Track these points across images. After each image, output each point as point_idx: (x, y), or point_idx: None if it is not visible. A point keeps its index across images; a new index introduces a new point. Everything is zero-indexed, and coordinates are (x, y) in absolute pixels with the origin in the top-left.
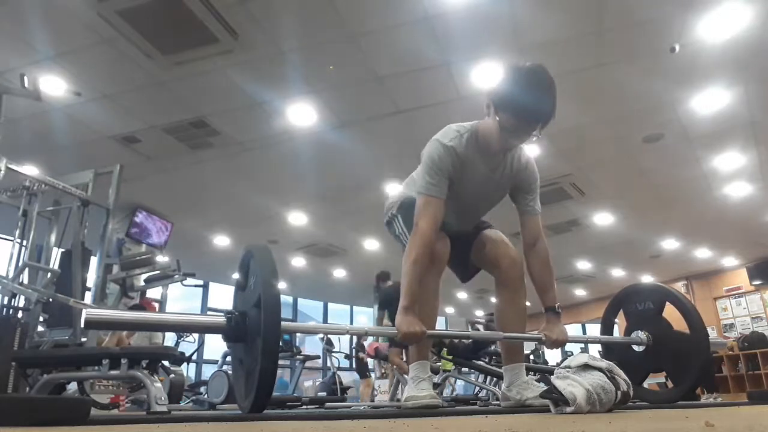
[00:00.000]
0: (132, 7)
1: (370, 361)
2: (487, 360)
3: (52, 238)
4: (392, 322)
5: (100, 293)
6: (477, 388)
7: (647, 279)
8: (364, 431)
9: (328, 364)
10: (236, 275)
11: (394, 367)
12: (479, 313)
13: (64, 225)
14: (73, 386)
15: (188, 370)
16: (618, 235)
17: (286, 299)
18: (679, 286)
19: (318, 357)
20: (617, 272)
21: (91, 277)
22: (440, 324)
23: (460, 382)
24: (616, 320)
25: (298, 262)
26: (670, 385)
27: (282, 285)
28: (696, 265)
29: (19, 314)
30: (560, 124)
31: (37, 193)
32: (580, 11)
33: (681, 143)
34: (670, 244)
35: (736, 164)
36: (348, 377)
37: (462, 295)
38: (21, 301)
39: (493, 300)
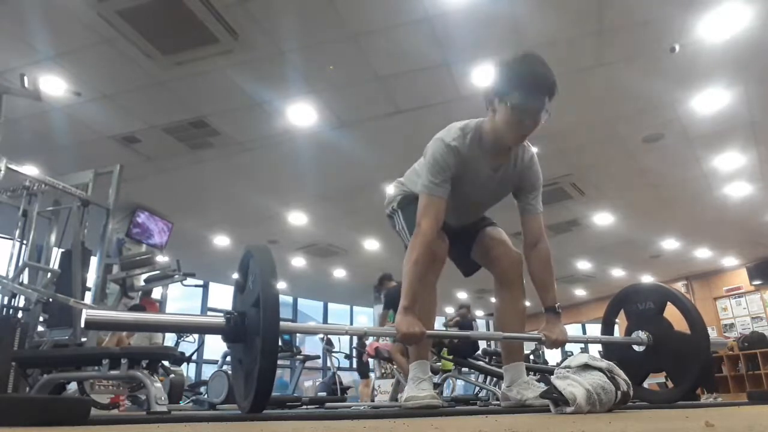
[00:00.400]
0: (132, 7)
1: (371, 361)
2: (487, 360)
3: (52, 238)
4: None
5: (100, 293)
6: (477, 388)
7: (647, 279)
8: (364, 431)
9: (328, 364)
10: (236, 275)
11: (395, 367)
12: (479, 312)
13: (64, 225)
14: (73, 386)
15: (188, 370)
16: (618, 235)
17: (286, 299)
18: (679, 286)
19: (318, 357)
20: (617, 272)
21: (91, 277)
22: (440, 324)
23: (460, 382)
24: (617, 320)
25: (298, 262)
26: (670, 385)
27: (282, 285)
28: (696, 265)
29: (19, 314)
30: (561, 124)
31: (37, 193)
32: (580, 11)
33: (681, 143)
34: (670, 244)
35: (736, 164)
36: (348, 377)
37: (462, 294)
38: (21, 301)
39: (493, 300)
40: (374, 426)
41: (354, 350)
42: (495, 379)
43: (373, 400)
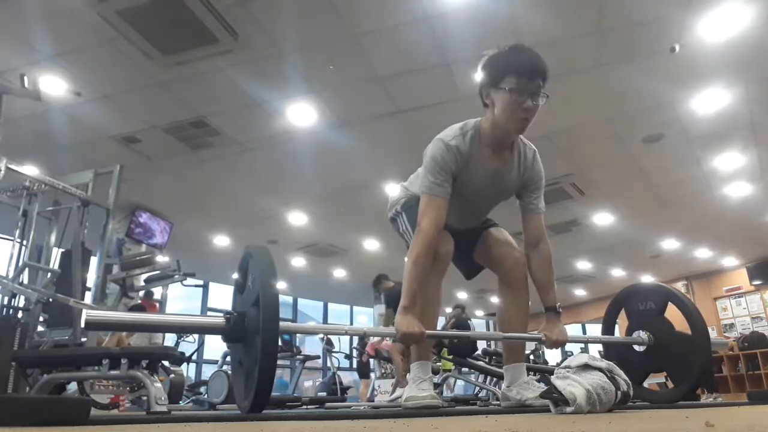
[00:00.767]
0: (132, 7)
1: (371, 361)
2: (487, 360)
3: (52, 238)
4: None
5: (100, 293)
6: (477, 388)
7: (647, 279)
8: (364, 431)
9: (328, 364)
10: (236, 275)
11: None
12: (479, 312)
13: (64, 225)
14: (73, 386)
15: (188, 370)
16: (618, 235)
17: (286, 299)
18: (679, 286)
19: (318, 357)
20: (617, 272)
21: (91, 277)
22: (440, 324)
23: (460, 382)
24: (617, 320)
25: (298, 262)
26: (670, 385)
27: (282, 285)
28: (696, 265)
29: (19, 314)
30: (560, 124)
31: (37, 193)
32: (580, 11)
33: (681, 143)
34: (670, 244)
35: (736, 164)
36: (348, 377)
37: (462, 295)
38: (21, 301)
39: (496, 300)
40: (374, 426)
41: (354, 350)
42: (495, 379)
43: (372, 400)
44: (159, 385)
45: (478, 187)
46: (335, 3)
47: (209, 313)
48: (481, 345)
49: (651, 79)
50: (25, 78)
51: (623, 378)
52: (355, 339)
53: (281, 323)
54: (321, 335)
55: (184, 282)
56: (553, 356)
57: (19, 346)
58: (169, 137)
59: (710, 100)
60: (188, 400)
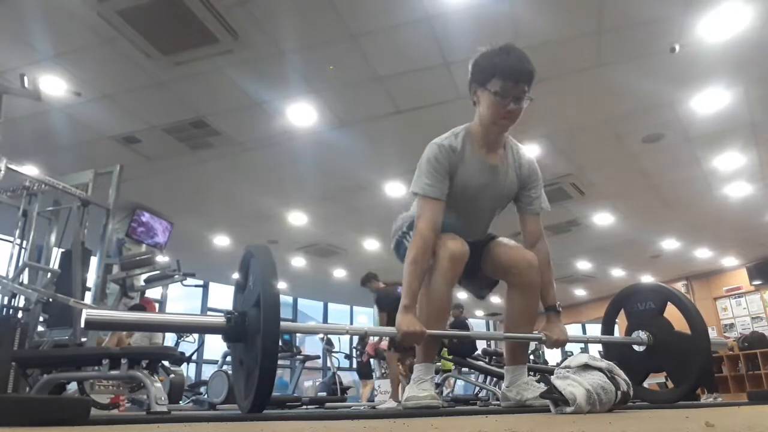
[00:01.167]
0: (132, 7)
1: (372, 361)
2: (487, 360)
3: (52, 238)
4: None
5: (100, 293)
6: (477, 388)
7: (647, 279)
8: (364, 431)
9: (328, 364)
10: (236, 275)
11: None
12: (480, 312)
13: (64, 225)
14: (73, 386)
15: (188, 370)
16: (618, 235)
17: (286, 299)
18: (679, 286)
19: (318, 357)
20: (617, 272)
21: (91, 277)
22: None
23: (460, 382)
24: (617, 320)
25: (298, 262)
26: (670, 385)
27: (282, 285)
28: (696, 265)
29: (19, 314)
30: (560, 124)
31: (37, 193)
32: (580, 11)
33: (681, 143)
34: (670, 244)
35: (736, 164)
36: (348, 377)
37: (462, 294)
38: (21, 301)
39: (497, 300)
40: (374, 426)
41: (354, 350)
42: (495, 379)
43: (372, 400)
44: (159, 385)
45: (477, 186)
46: (335, 3)
47: (209, 313)
48: (481, 345)
49: (651, 79)
50: (25, 78)
51: (623, 378)
52: (356, 339)
53: (282, 323)
54: (321, 335)
55: (184, 282)
56: (553, 356)
57: (19, 346)
58: (169, 137)
59: (710, 100)
60: (188, 400)
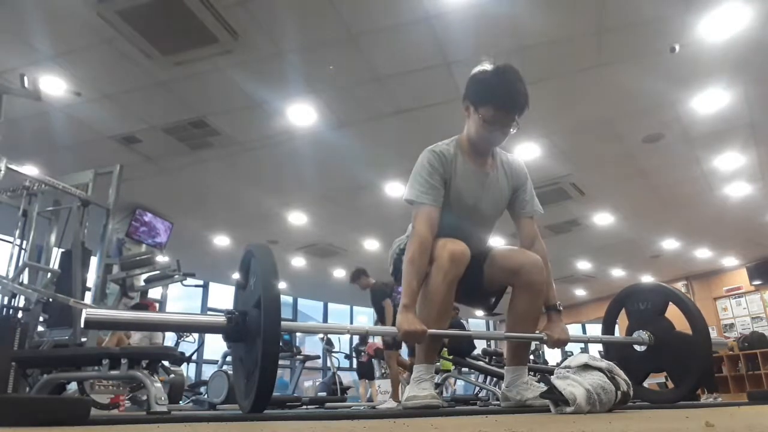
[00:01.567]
0: (132, 7)
1: (373, 361)
2: (487, 360)
3: (52, 238)
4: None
5: (100, 293)
6: (477, 388)
7: (647, 279)
8: (364, 431)
9: (328, 364)
10: (236, 275)
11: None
12: (479, 312)
13: (64, 225)
14: (73, 386)
15: (188, 370)
16: (618, 235)
17: (286, 299)
18: (679, 286)
19: (318, 357)
20: (617, 272)
21: (91, 277)
22: None
23: (460, 382)
24: (617, 320)
25: (298, 262)
26: (670, 385)
27: (282, 285)
28: (696, 265)
29: (19, 314)
30: (560, 124)
31: (37, 193)
32: (580, 11)
33: (681, 143)
34: (670, 244)
35: (736, 164)
36: (348, 377)
37: None
38: (21, 301)
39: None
40: (374, 426)
41: (355, 350)
42: (495, 379)
43: (372, 400)
44: (159, 385)
45: (472, 194)
46: (335, 3)
47: (209, 312)
48: (482, 345)
49: (651, 79)
50: (25, 78)
51: (623, 378)
52: (356, 339)
53: (282, 323)
54: (321, 335)
55: (184, 282)
56: (553, 356)
57: (19, 346)
58: (169, 137)
59: (710, 100)
60: (188, 400)
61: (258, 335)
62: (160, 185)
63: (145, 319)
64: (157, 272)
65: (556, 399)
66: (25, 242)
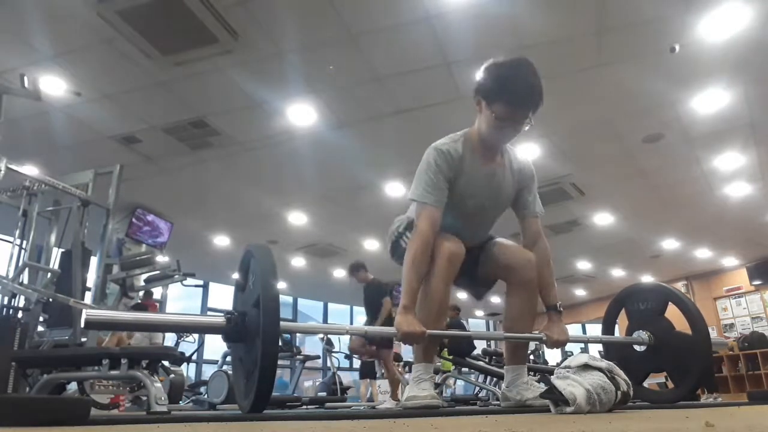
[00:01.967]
0: (132, 7)
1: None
2: (487, 360)
3: (52, 238)
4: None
5: (100, 293)
6: (477, 388)
7: (647, 279)
8: (364, 431)
9: (328, 364)
10: (236, 275)
11: (397, 366)
12: (480, 312)
13: (64, 225)
14: (73, 386)
15: (188, 370)
16: (618, 235)
17: (286, 299)
18: (679, 286)
19: (318, 357)
20: (617, 272)
21: (91, 277)
22: None
23: (460, 382)
24: (617, 320)
25: (298, 262)
26: (670, 385)
27: (282, 285)
28: (696, 265)
29: (19, 314)
30: (560, 124)
31: (37, 193)
32: (580, 11)
33: (681, 143)
34: (670, 244)
35: (736, 164)
36: (348, 377)
37: (462, 294)
38: (21, 301)
39: (497, 300)
40: (374, 426)
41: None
42: (495, 379)
43: (372, 400)
44: (159, 385)
45: (478, 191)
46: (335, 3)
47: (209, 313)
48: (481, 345)
49: (651, 79)
50: (25, 78)
51: (623, 378)
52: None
53: (281, 323)
54: (321, 335)
55: (184, 282)
56: (553, 356)
57: (19, 346)
58: (169, 137)
59: (710, 100)
60: (188, 400)
61: (257, 335)
62: (160, 185)
63: (145, 320)
64: (157, 272)
65: (556, 399)
66: (25, 242)
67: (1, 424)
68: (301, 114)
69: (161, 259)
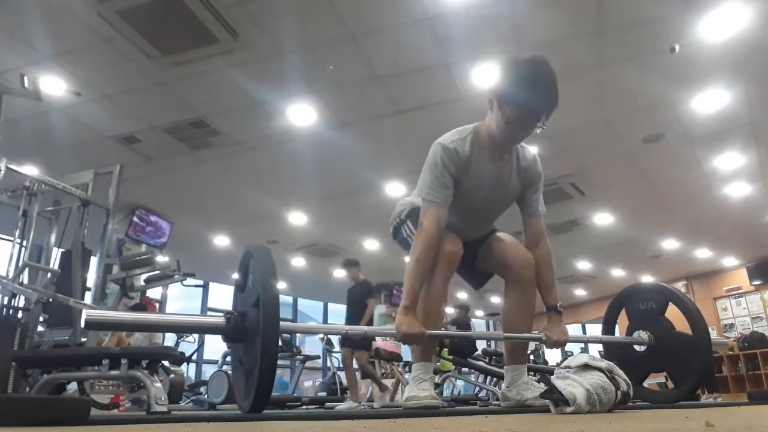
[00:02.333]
0: (132, 7)
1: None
2: (487, 360)
3: (52, 238)
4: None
5: (100, 293)
6: (477, 388)
7: (647, 279)
8: (364, 431)
9: (328, 364)
10: (236, 275)
11: (395, 366)
12: (480, 312)
13: (64, 225)
14: (73, 386)
15: (188, 370)
16: (618, 235)
17: (286, 299)
18: (679, 286)
19: (318, 357)
20: (617, 272)
21: (91, 277)
22: None
23: (460, 382)
24: (618, 320)
25: (298, 262)
26: (670, 385)
27: (282, 285)
28: (696, 265)
29: (19, 314)
30: (561, 124)
31: (37, 193)
32: (580, 11)
33: (681, 143)
34: (670, 244)
35: (736, 164)
36: None
37: (462, 295)
38: (21, 301)
39: (497, 300)
40: (374, 426)
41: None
42: (495, 379)
43: (372, 400)
44: (159, 385)
45: (482, 190)
46: (335, 3)
47: (209, 313)
48: (481, 345)
49: (651, 79)
50: (25, 78)
51: (623, 378)
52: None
53: (281, 323)
54: (321, 335)
55: (184, 282)
56: (553, 356)
57: (19, 346)
58: (169, 137)
59: (710, 100)
60: (188, 400)
61: (257, 335)
62: (160, 185)
63: (145, 320)
64: (157, 272)
65: (556, 399)
66: (25, 242)
67: (1, 424)
68: (301, 114)
69: (161, 259)
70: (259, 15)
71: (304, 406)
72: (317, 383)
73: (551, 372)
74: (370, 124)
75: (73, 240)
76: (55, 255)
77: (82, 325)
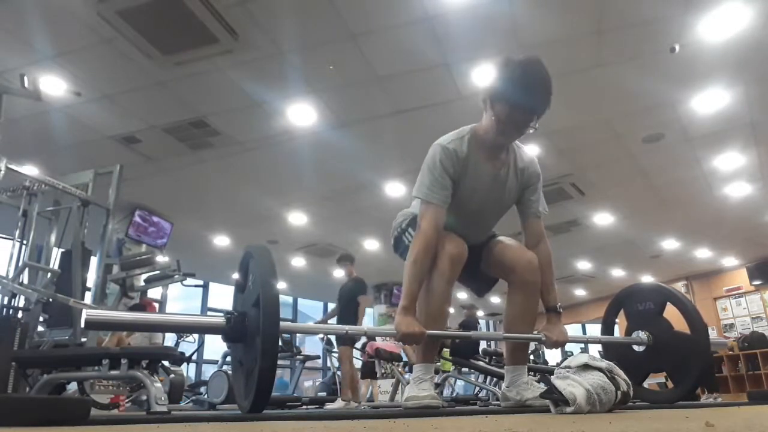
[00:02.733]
0: (132, 7)
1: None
2: (487, 360)
3: (52, 238)
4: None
5: (100, 293)
6: (477, 388)
7: (647, 279)
8: (364, 431)
9: (328, 364)
10: (236, 275)
11: (395, 366)
12: (480, 312)
13: (64, 225)
14: (73, 386)
15: (188, 370)
16: (618, 235)
17: (286, 299)
18: (679, 286)
19: (318, 357)
20: (617, 272)
21: (91, 277)
22: None
23: (460, 382)
24: (617, 320)
25: (298, 262)
26: (670, 385)
27: (282, 285)
28: (696, 265)
29: (19, 314)
30: (560, 124)
31: (37, 193)
32: (580, 11)
33: (681, 143)
34: (670, 244)
35: (736, 164)
36: None
37: (462, 295)
38: (21, 301)
39: (497, 300)
40: (374, 426)
41: (361, 350)
42: (495, 379)
43: (372, 400)
44: (159, 385)
45: (482, 190)
46: (335, 3)
47: (209, 313)
48: (481, 345)
49: (651, 79)
50: (25, 78)
51: (623, 378)
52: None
53: (281, 323)
54: (321, 335)
55: (184, 282)
56: (553, 356)
57: (19, 346)
58: (169, 137)
59: (710, 100)
60: (188, 400)
61: (257, 335)
62: (160, 185)
63: (145, 320)
64: (157, 272)
65: (556, 399)
66: (25, 242)
67: (1, 424)
68: (301, 114)
69: (161, 259)
70: (259, 15)
71: (304, 406)
72: (317, 383)
73: (551, 372)
74: (370, 124)
75: (73, 240)
76: (55, 255)
77: (82, 325)
